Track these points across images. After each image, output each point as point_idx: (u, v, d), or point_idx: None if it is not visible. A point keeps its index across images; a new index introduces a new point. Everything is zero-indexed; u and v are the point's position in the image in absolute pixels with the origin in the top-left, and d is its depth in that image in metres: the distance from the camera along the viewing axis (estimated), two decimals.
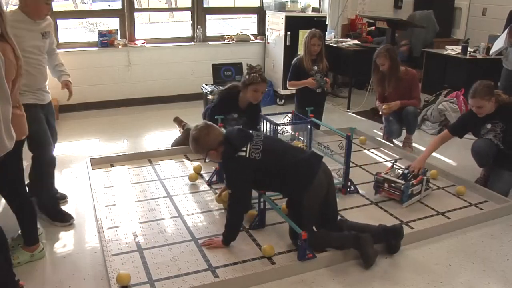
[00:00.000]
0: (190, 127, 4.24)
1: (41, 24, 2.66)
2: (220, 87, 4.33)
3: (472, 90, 3.23)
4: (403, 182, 3.13)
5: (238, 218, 2.56)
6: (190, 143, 2.57)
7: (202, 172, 3.63)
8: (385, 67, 4.06)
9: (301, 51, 4.58)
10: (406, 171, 3.23)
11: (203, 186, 3.41)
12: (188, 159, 3.92)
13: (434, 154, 4.17)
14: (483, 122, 3.31)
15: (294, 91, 4.68)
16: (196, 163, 3.71)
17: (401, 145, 4.37)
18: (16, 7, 2.62)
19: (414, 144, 4.35)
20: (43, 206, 2.87)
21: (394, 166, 3.38)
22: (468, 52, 5.54)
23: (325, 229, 2.58)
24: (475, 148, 3.42)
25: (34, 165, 2.78)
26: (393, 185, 3.16)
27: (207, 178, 3.49)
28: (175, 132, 4.43)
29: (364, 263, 2.44)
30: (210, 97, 4.77)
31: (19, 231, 2.53)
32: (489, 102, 3.18)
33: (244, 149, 2.44)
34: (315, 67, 4.39)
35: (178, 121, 4.38)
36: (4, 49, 2.00)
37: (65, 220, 2.87)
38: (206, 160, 2.58)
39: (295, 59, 4.51)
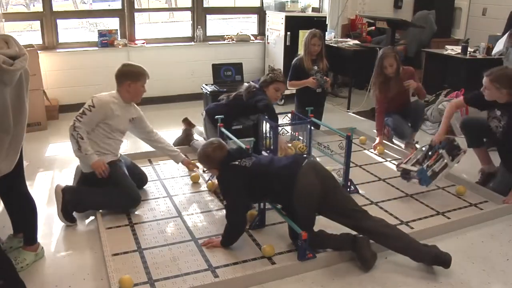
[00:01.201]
0: (197, 129, 4.22)
1: (130, 110, 3.13)
2: (229, 90, 4.06)
3: (492, 70, 3.05)
4: (416, 169, 3.16)
5: (235, 229, 2.56)
6: (199, 156, 2.68)
7: (202, 172, 3.64)
8: (393, 68, 4.02)
9: (301, 51, 4.57)
10: (425, 148, 3.31)
11: (203, 186, 3.41)
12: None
13: None
14: (495, 106, 3.19)
15: (294, 91, 4.68)
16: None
17: (402, 145, 4.36)
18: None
19: None
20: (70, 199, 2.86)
21: (417, 147, 3.41)
22: (468, 52, 5.53)
23: (348, 225, 2.50)
24: (465, 122, 3.39)
25: (115, 194, 2.94)
26: (412, 173, 3.22)
27: (207, 178, 3.49)
28: (176, 132, 4.42)
29: (362, 266, 2.42)
30: (224, 98, 4.03)
31: (11, 234, 2.53)
32: (497, 90, 3.00)
33: (238, 161, 2.56)
34: (315, 67, 4.39)
35: (187, 122, 4.34)
36: None
37: (71, 221, 2.87)
38: (205, 170, 2.63)
39: (295, 59, 4.51)
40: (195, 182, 3.45)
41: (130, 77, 3.02)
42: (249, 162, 2.55)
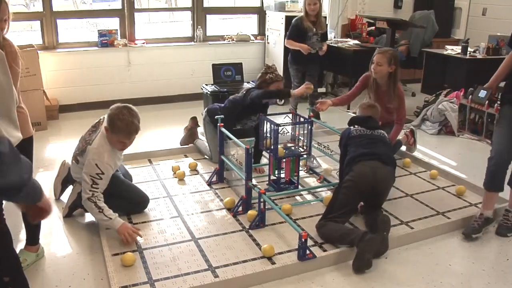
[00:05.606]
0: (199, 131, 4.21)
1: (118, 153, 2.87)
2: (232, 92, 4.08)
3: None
4: None
5: None
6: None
7: (202, 172, 3.65)
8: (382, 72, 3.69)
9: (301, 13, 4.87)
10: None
11: (203, 186, 3.41)
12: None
13: (433, 154, 4.18)
14: None
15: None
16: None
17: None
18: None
19: None
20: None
21: None
22: (468, 52, 5.54)
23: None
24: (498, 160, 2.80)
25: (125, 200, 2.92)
26: None
27: (207, 178, 3.49)
28: (175, 132, 4.43)
29: (356, 265, 2.40)
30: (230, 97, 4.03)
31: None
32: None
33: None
34: (314, 29, 4.66)
35: (194, 121, 4.30)
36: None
37: (70, 215, 2.96)
38: None
39: (295, 19, 4.77)
40: (193, 184, 3.45)
41: (108, 124, 2.70)
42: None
